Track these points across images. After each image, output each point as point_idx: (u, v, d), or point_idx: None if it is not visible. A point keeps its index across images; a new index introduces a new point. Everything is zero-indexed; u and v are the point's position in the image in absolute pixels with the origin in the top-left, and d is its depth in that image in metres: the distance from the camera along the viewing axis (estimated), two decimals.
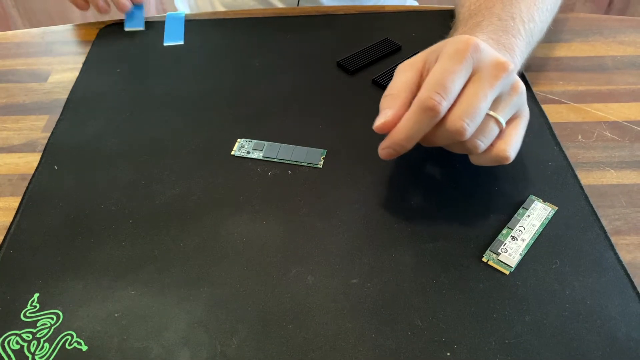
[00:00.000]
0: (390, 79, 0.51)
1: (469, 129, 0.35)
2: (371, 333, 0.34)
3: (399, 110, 0.37)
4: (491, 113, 0.37)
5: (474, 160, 0.39)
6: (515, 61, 0.43)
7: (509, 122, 0.38)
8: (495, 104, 0.37)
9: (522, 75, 0.52)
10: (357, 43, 0.56)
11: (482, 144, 0.37)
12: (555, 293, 0.35)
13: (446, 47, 0.37)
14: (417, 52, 0.40)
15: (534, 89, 0.50)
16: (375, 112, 0.48)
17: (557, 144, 0.45)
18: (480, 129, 0.36)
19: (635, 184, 0.42)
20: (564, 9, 0.58)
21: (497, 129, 0.37)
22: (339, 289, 0.36)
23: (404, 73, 0.38)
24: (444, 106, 0.35)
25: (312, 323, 0.34)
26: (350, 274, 0.37)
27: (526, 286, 0.36)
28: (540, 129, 0.47)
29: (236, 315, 0.35)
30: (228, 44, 0.57)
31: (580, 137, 0.46)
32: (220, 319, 0.34)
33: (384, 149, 0.38)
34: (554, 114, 0.48)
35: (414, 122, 0.36)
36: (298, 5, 0.69)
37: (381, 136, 0.38)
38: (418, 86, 0.37)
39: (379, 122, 0.38)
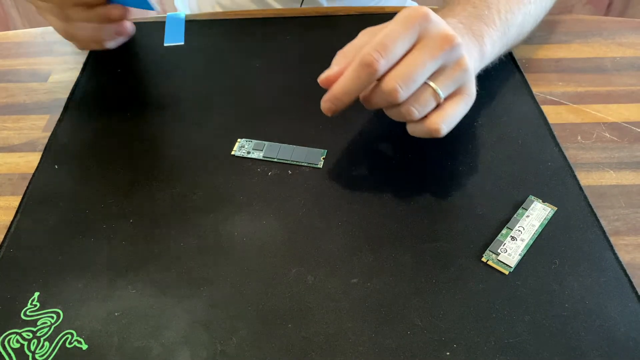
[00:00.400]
0: None
1: (402, 92, 0.36)
2: (371, 332, 0.34)
3: (343, 67, 0.38)
4: (430, 83, 0.37)
5: (410, 129, 0.40)
6: (484, 49, 0.44)
7: (449, 97, 0.39)
8: (436, 75, 0.38)
9: (521, 76, 0.52)
10: None
11: (416, 112, 0.38)
12: (554, 293, 0.35)
13: (398, 13, 0.38)
14: None
15: (534, 90, 0.51)
16: (375, 114, 0.48)
17: (557, 144, 0.45)
18: (416, 97, 0.37)
19: (635, 184, 0.42)
20: (562, 10, 0.58)
21: (434, 100, 0.38)
22: (339, 288, 0.36)
23: (362, 36, 0.40)
24: (382, 64, 0.36)
25: (311, 322, 0.34)
26: (350, 273, 0.37)
27: (526, 286, 0.36)
28: (539, 129, 0.47)
29: (236, 314, 0.35)
30: (228, 45, 0.57)
31: (579, 138, 0.46)
32: (220, 318, 0.34)
33: (324, 102, 0.39)
34: (554, 114, 0.48)
35: (353, 77, 0.37)
36: (301, 5, 0.69)
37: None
38: None
39: (322, 75, 0.39)
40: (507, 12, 0.47)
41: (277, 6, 0.72)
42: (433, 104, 0.38)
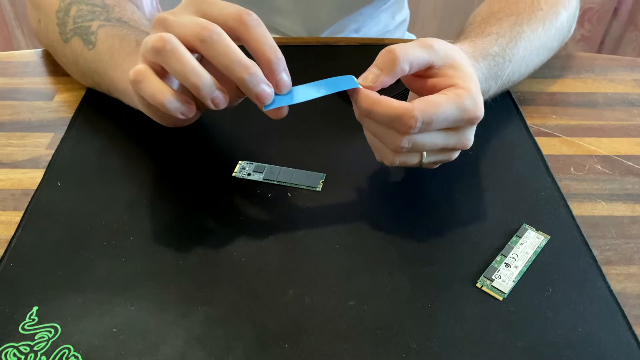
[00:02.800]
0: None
1: (406, 146, 0.38)
2: (366, 354, 0.34)
3: (386, 80, 0.38)
4: (424, 156, 0.40)
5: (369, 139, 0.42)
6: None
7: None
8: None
9: (516, 108, 0.53)
10: (357, 73, 0.57)
11: (396, 162, 0.39)
12: (547, 320, 0.36)
13: (463, 95, 0.38)
14: None
15: (528, 122, 0.52)
16: None
17: (550, 175, 0.46)
18: (405, 154, 0.39)
19: (625, 216, 0.44)
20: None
21: (417, 163, 0.40)
22: (336, 310, 0.36)
23: (421, 49, 0.38)
24: (414, 132, 0.37)
25: (308, 343, 0.35)
26: (347, 295, 0.37)
27: (519, 312, 0.36)
28: (533, 160, 0.48)
29: (233, 333, 0.35)
30: None
31: (572, 169, 0.48)
32: (217, 337, 0.35)
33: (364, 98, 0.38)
34: (547, 146, 0.50)
35: (385, 115, 0.37)
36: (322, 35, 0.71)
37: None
38: (422, 69, 0.39)
39: (367, 81, 0.38)
40: (517, 64, 0.49)
41: (285, 33, 0.74)
42: (414, 163, 0.40)
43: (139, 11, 0.54)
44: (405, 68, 0.38)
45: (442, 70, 0.39)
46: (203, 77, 0.35)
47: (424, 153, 0.40)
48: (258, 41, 0.36)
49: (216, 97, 0.36)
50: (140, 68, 0.36)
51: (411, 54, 0.38)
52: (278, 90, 0.37)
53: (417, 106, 0.36)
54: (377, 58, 0.39)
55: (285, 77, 0.37)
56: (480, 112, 0.38)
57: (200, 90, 0.35)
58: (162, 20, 0.37)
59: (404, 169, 0.47)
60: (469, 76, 0.39)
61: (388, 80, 0.38)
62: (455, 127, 0.39)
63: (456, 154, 0.42)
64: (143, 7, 0.60)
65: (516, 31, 0.49)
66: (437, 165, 0.43)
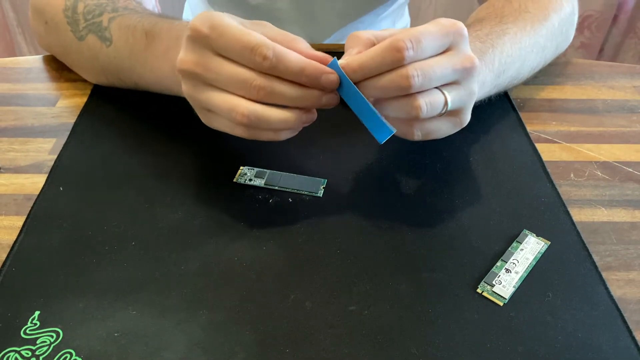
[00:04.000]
0: None
1: (416, 81, 0.36)
2: (367, 359, 0.34)
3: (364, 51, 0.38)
4: (443, 90, 0.38)
5: (392, 113, 0.40)
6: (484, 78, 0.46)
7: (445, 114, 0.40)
8: (449, 88, 0.39)
9: (516, 115, 0.54)
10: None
11: (425, 109, 0.38)
12: (547, 325, 0.36)
13: (437, 19, 0.38)
14: None
15: (529, 128, 0.52)
16: (375, 146, 0.50)
17: (550, 181, 0.47)
18: (429, 95, 0.38)
19: (625, 222, 0.44)
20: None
21: (443, 107, 0.39)
22: (337, 315, 0.36)
23: (384, 31, 0.40)
24: (410, 54, 0.36)
25: (309, 348, 0.35)
26: (348, 300, 0.37)
27: (519, 318, 0.37)
28: (533, 166, 0.48)
29: (234, 338, 0.35)
30: None
31: (572, 175, 0.48)
32: (219, 342, 0.35)
33: (332, 74, 0.38)
34: (547, 152, 0.50)
35: (376, 57, 0.37)
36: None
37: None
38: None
39: (343, 61, 0.38)
40: (508, 56, 0.49)
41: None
42: (440, 110, 0.39)
43: (142, 5, 0.54)
44: (371, 37, 0.39)
45: None
46: (308, 95, 0.38)
47: (445, 92, 0.38)
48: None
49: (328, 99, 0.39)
50: (248, 111, 0.38)
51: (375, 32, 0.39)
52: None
53: (398, 34, 0.37)
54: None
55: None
56: (459, 23, 0.38)
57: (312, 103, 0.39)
58: (196, 74, 0.39)
59: (405, 174, 0.47)
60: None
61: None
62: (448, 47, 0.38)
63: (473, 85, 0.40)
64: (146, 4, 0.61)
65: (499, 28, 0.50)
66: (467, 115, 0.42)
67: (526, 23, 0.52)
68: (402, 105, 0.38)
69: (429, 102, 0.38)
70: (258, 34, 0.37)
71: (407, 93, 0.37)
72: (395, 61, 0.36)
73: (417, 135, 0.40)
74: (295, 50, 0.38)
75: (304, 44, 0.39)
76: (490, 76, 0.47)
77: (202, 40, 0.38)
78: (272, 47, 0.36)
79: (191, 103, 0.42)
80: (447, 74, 0.38)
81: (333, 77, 0.38)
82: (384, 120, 0.39)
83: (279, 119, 0.39)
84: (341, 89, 0.39)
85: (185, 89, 0.40)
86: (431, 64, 0.37)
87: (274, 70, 0.37)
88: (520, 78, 0.53)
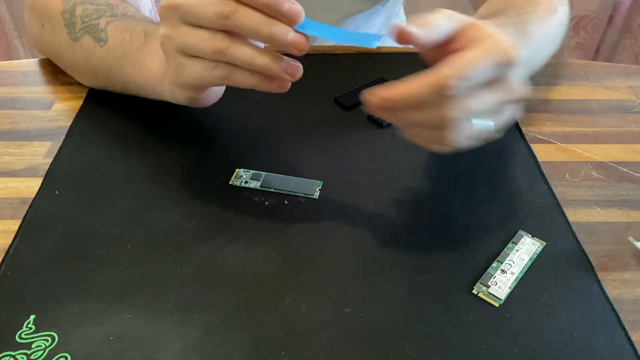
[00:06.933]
0: None
1: (454, 121, 0.34)
2: None
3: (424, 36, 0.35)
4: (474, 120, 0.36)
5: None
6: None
7: None
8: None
9: None
10: (354, 81, 0.58)
11: (458, 141, 0.36)
12: (543, 326, 0.36)
13: (491, 42, 0.35)
14: None
15: (524, 129, 0.52)
16: (371, 148, 0.50)
17: (546, 182, 0.47)
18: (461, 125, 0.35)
19: (621, 222, 0.44)
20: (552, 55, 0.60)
21: (469, 129, 0.36)
22: (332, 317, 0.36)
23: (448, 19, 0.36)
24: (456, 92, 0.34)
25: (305, 351, 0.35)
26: (344, 303, 0.37)
27: (515, 318, 0.37)
28: (529, 167, 0.48)
29: (230, 341, 0.35)
30: None
31: (567, 176, 0.48)
32: (215, 345, 0.35)
33: (374, 97, 0.35)
34: (543, 153, 0.50)
35: (419, 91, 0.34)
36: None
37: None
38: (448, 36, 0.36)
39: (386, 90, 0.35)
40: (534, 46, 0.47)
41: None
42: (466, 132, 0.36)
43: (140, 12, 0.54)
44: (442, 23, 0.36)
45: (463, 33, 0.36)
46: (275, 24, 0.36)
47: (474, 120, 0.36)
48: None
49: (295, 38, 0.37)
50: (223, 37, 0.37)
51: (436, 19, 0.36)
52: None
53: (446, 66, 0.34)
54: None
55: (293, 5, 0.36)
56: (515, 50, 0.35)
57: (279, 36, 0.36)
58: (172, 7, 0.38)
59: (401, 175, 0.47)
60: (491, 27, 0.36)
61: (426, 36, 0.35)
62: (497, 78, 0.35)
63: (516, 109, 0.38)
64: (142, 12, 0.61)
65: (522, 16, 0.48)
66: (501, 131, 0.39)
67: (545, 13, 0.50)
68: (431, 134, 0.37)
69: (463, 132, 0.36)
70: None
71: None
72: (440, 99, 0.34)
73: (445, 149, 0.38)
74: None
75: None
76: (528, 51, 0.44)
77: None
78: None
79: (167, 50, 0.40)
80: (486, 105, 0.36)
81: (297, 7, 0.36)
82: (366, 33, 0.38)
83: (256, 51, 0.38)
84: (313, 29, 0.38)
85: (164, 31, 0.39)
86: (472, 102, 0.35)
87: None
88: (534, 69, 0.52)
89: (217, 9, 0.36)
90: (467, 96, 0.34)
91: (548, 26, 0.51)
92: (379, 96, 0.35)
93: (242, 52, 0.38)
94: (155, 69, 0.46)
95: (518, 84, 0.37)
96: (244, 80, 0.39)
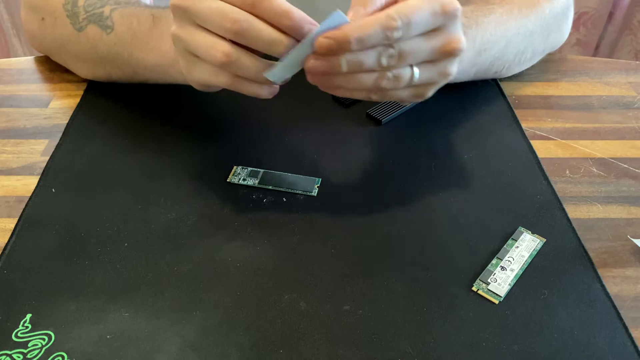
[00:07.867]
0: (384, 113, 0.52)
1: (392, 61, 0.37)
2: (362, 359, 0.34)
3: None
4: (414, 67, 0.38)
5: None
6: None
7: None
8: (424, 64, 0.39)
9: (511, 112, 0.54)
10: None
11: (389, 83, 0.38)
12: (543, 323, 0.36)
13: None
14: None
15: (523, 125, 0.52)
16: (369, 145, 0.50)
17: (546, 178, 0.46)
18: (396, 69, 0.38)
19: (621, 218, 0.43)
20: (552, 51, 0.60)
21: (408, 81, 0.39)
22: (331, 315, 0.36)
23: None
24: (398, 34, 0.36)
25: (303, 349, 0.34)
26: (343, 300, 0.37)
27: (515, 316, 0.36)
28: (529, 163, 0.48)
29: (228, 339, 0.35)
30: None
31: (567, 172, 0.48)
32: (213, 343, 0.35)
33: (326, 39, 0.36)
34: (543, 149, 0.50)
35: (366, 30, 0.35)
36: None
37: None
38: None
39: (359, 13, 0.37)
40: (491, 35, 0.49)
41: None
42: (403, 85, 0.39)
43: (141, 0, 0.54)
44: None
45: None
46: (285, 41, 0.37)
47: (415, 68, 0.38)
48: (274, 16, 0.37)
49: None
50: (228, 49, 0.37)
51: None
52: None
53: (392, 9, 0.36)
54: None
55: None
56: (455, 4, 0.37)
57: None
58: (182, 8, 0.38)
59: (399, 172, 0.47)
60: None
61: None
62: (436, 27, 0.38)
63: (450, 67, 0.40)
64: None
65: (486, 8, 0.50)
66: (432, 90, 0.41)
67: (513, 6, 0.52)
68: (369, 77, 0.38)
69: (395, 77, 0.38)
70: None
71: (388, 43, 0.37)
72: (384, 39, 0.36)
73: (374, 98, 0.40)
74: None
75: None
76: (470, 53, 0.48)
77: None
78: None
79: (177, 48, 0.41)
80: (424, 57, 0.38)
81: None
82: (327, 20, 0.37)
83: (259, 62, 0.38)
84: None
85: (174, 29, 0.40)
86: (413, 48, 0.37)
87: (257, 9, 0.36)
88: (505, 59, 0.53)
89: (226, 21, 0.36)
90: (409, 41, 0.37)
91: (516, 18, 0.52)
92: (330, 37, 0.36)
93: (246, 65, 0.38)
94: (166, 51, 0.46)
95: (458, 36, 0.39)
96: (248, 89, 0.40)
